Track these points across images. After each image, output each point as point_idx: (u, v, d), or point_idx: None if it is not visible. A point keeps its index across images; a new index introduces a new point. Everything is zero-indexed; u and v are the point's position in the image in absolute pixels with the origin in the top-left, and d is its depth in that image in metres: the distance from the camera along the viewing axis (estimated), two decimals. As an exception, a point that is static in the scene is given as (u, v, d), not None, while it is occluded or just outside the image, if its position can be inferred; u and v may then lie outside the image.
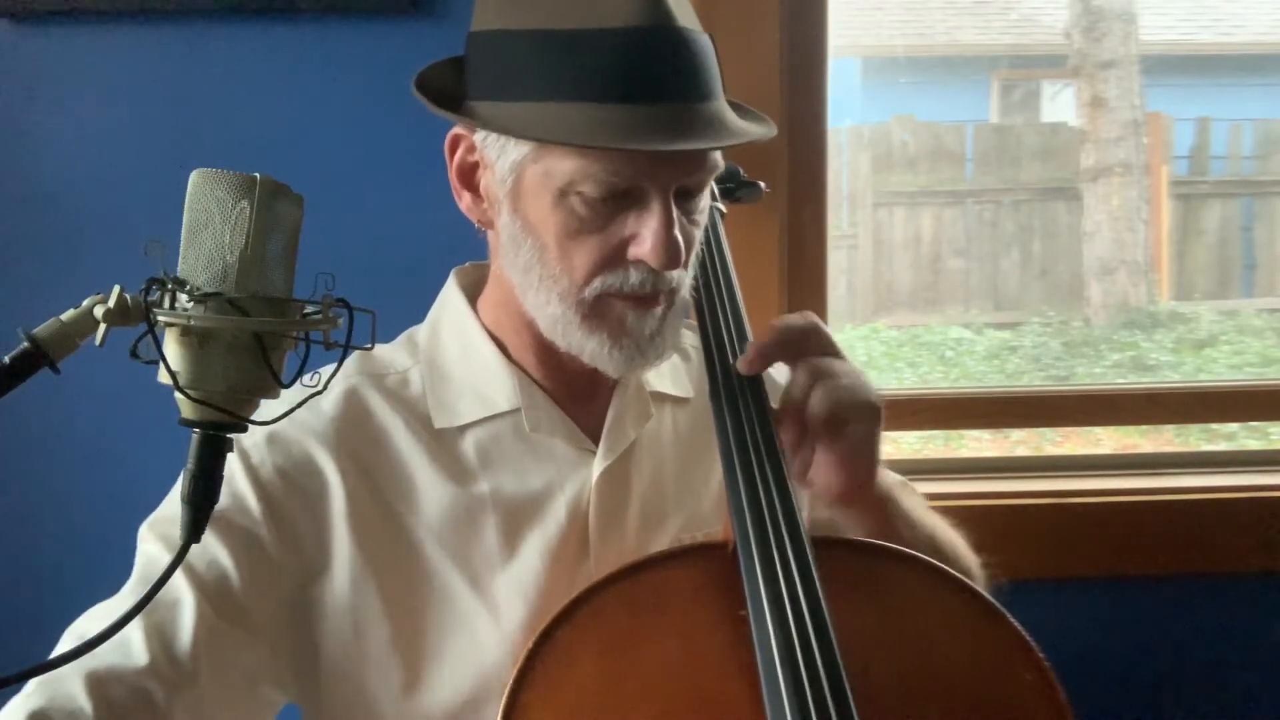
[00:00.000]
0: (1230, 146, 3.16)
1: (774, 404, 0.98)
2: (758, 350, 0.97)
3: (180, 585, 0.88)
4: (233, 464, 0.93)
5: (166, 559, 0.88)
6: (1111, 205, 2.88)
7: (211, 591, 0.89)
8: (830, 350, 0.96)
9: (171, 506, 0.94)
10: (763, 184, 1.29)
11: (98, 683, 0.83)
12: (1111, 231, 2.90)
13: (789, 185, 1.46)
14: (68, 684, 0.82)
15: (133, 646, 0.85)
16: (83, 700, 0.82)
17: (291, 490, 0.95)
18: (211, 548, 0.90)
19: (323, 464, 0.95)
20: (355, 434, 0.97)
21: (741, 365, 0.97)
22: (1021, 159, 3.05)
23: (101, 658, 0.83)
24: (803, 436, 0.95)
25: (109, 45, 1.36)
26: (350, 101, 1.38)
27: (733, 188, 1.25)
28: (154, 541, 0.92)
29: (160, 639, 0.86)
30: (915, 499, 1.12)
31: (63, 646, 0.87)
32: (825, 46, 1.47)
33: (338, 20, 1.37)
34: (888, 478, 1.04)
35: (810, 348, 0.96)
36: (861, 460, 0.95)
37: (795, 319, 0.97)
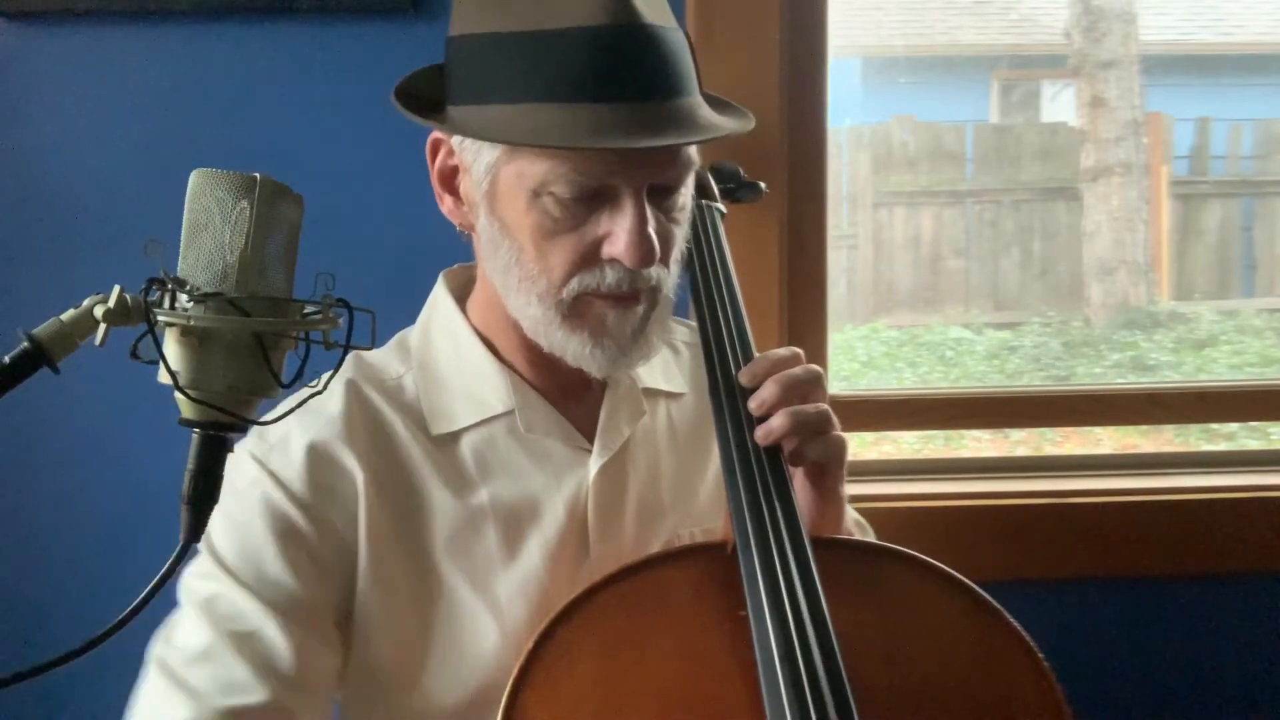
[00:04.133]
0: (1230, 146, 3.16)
1: None
2: (754, 374, 0.98)
3: (259, 617, 0.90)
4: (264, 484, 0.94)
5: (232, 590, 0.90)
6: (1111, 205, 2.87)
7: (288, 609, 0.91)
8: (822, 398, 0.99)
9: (208, 553, 0.94)
10: (763, 184, 1.29)
11: None
12: (1111, 231, 2.89)
13: (789, 185, 1.46)
14: None
15: (245, 685, 0.87)
16: None
17: (327, 494, 0.95)
18: (274, 572, 0.91)
19: (349, 464, 0.96)
20: (365, 436, 0.98)
21: (745, 378, 0.98)
22: (1021, 159, 3.05)
23: (222, 702, 0.86)
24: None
25: (109, 45, 1.36)
26: (350, 101, 1.38)
27: (734, 188, 1.25)
28: (209, 582, 0.92)
29: (267, 669, 0.88)
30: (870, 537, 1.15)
31: (175, 704, 0.88)
32: (825, 46, 1.47)
33: (338, 20, 1.37)
34: (849, 520, 1.07)
35: (804, 395, 0.97)
36: (833, 502, 1.01)
37: (798, 370, 0.98)
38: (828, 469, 0.99)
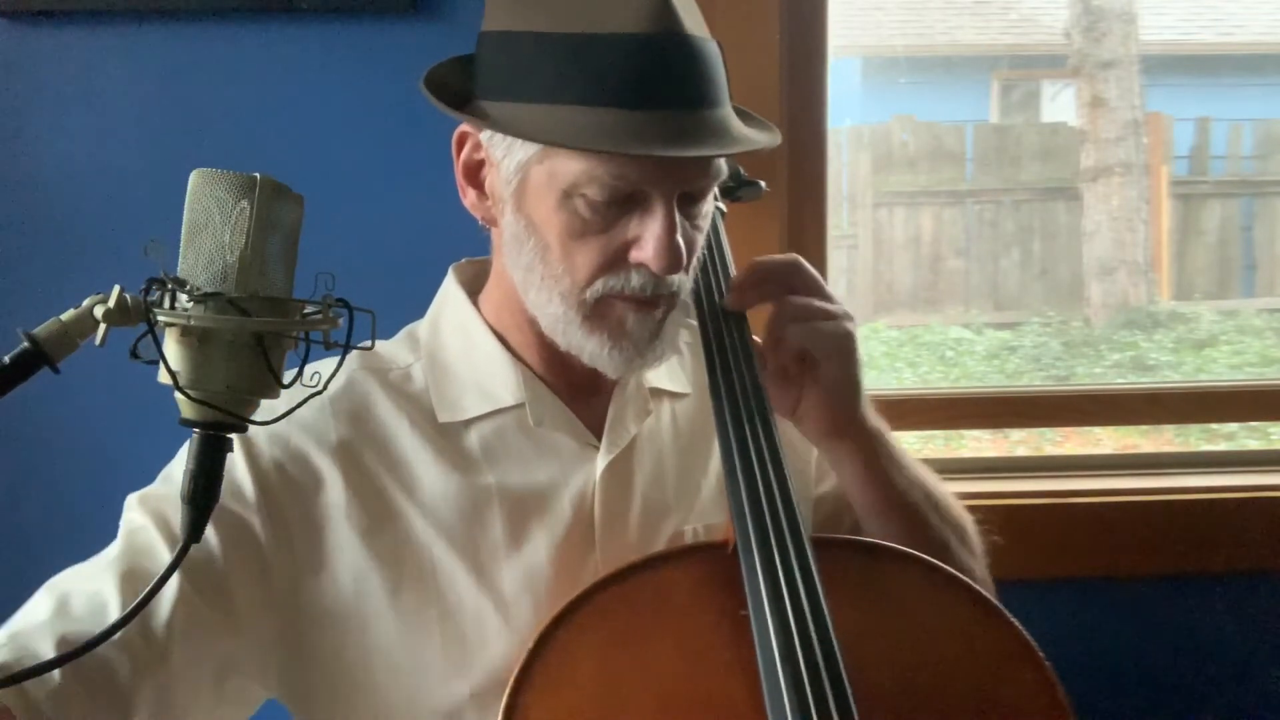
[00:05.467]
0: (1230, 146, 3.16)
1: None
2: (737, 289, 1.01)
3: (165, 564, 0.88)
4: (236, 453, 0.93)
5: (156, 535, 0.89)
6: (1111, 205, 2.88)
7: (196, 574, 0.89)
8: (811, 288, 1.00)
9: (166, 485, 0.94)
10: (763, 183, 1.29)
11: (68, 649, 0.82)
12: (1111, 231, 2.90)
13: (789, 185, 1.46)
14: (38, 644, 0.81)
15: (109, 617, 0.84)
16: None
17: (287, 485, 0.95)
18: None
19: (319, 463, 0.96)
20: (356, 431, 0.98)
21: (729, 302, 1.02)
22: (1021, 159, 3.06)
23: (76, 624, 0.83)
24: (788, 372, 1.00)
25: (109, 45, 1.36)
26: (350, 101, 1.38)
27: (733, 187, 1.25)
28: (145, 515, 0.91)
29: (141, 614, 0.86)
30: (902, 447, 1.13)
31: (39, 604, 0.86)
32: (825, 46, 1.47)
33: (338, 20, 1.37)
34: (876, 418, 1.07)
35: (789, 285, 1.00)
36: (843, 395, 1.01)
37: (774, 258, 1.02)
38: (824, 358, 0.99)
